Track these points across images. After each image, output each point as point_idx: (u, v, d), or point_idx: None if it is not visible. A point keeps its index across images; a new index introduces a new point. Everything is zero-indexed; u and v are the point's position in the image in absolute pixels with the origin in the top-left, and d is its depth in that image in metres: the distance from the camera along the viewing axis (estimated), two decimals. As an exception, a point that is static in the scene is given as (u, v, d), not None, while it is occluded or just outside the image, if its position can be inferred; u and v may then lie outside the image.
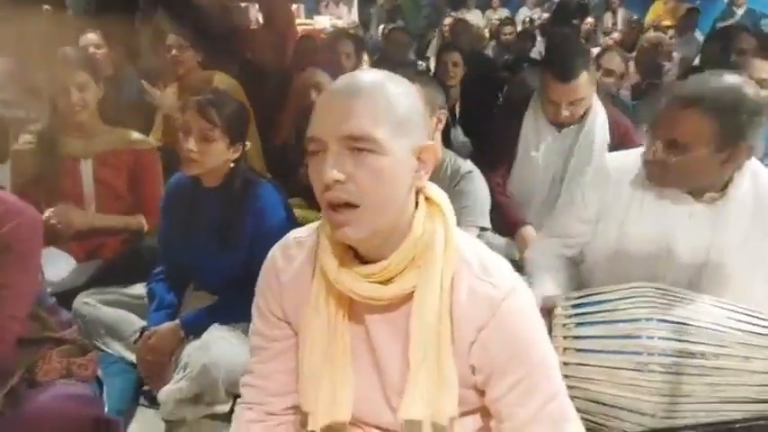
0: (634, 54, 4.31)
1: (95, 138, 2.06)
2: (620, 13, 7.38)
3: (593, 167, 1.47)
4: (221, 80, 2.95)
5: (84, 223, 1.95)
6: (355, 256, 0.84)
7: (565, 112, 1.98)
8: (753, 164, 1.27)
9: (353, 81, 0.78)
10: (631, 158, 1.37)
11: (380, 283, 0.81)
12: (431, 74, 4.65)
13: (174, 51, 2.78)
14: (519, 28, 6.43)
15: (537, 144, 2.11)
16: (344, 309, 0.85)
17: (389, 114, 0.75)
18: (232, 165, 1.62)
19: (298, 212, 2.20)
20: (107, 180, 2.06)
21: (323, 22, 6.85)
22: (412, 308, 0.81)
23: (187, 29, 2.99)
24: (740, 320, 1.13)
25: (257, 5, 5.11)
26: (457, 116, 3.18)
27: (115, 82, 3.00)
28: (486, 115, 2.91)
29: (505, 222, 2.08)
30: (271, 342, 0.94)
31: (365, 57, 4.85)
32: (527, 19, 7.20)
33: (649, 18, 6.55)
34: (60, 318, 1.41)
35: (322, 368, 0.86)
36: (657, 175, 1.27)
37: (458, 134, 3.01)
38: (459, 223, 0.88)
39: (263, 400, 0.95)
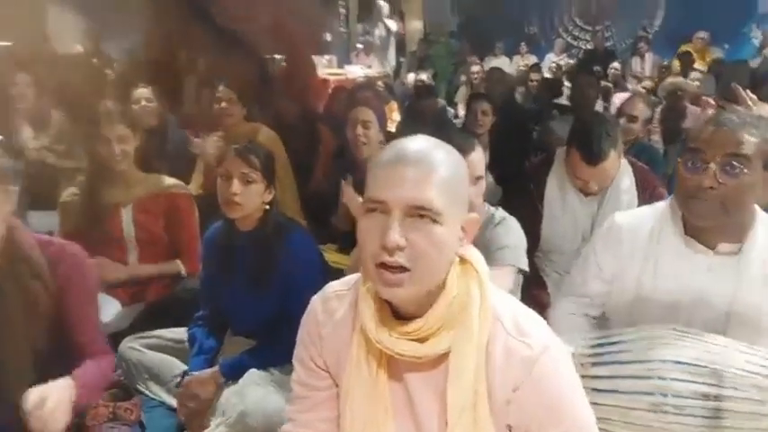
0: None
1: (133, 185, 2.20)
2: (648, 57, 7.43)
3: (605, 227, 1.47)
4: (264, 133, 3.08)
5: (116, 277, 2.09)
6: (393, 313, 0.87)
7: (593, 187, 2.00)
8: (763, 215, 1.28)
9: (419, 150, 0.82)
10: (643, 214, 1.39)
11: (418, 340, 0.84)
12: (458, 120, 4.78)
13: (223, 104, 2.94)
14: (546, 74, 6.53)
15: (562, 206, 2.12)
16: (385, 366, 0.89)
17: (449, 187, 0.80)
18: (266, 207, 1.71)
19: (330, 257, 2.27)
20: (146, 225, 2.18)
21: (354, 71, 7.08)
22: (449, 366, 0.84)
23: (235, 82, 3.17)
24: (757, 363, 1.11)
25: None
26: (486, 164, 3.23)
27: (158, 132, 3.17)
28: (517, 162, 2.94)
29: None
30: (312, 391, 0.97)
31: (394, 104, 5.02)
32: (554, 65, 7.31)
33: (677, 63, 6.57)
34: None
35: (364, 425, 0.88)
36: (705, 210, 1.22)
37: (488, 182, 3.05)
38: (497, 264, 0.90)
39: None
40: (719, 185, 1.18)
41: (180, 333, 1.89)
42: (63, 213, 2.23)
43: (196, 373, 1.67)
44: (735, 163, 1.17)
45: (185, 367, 1.75)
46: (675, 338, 1.16)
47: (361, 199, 2.22)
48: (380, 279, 0.80)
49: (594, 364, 1.17)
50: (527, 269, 1.82)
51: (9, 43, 5.70)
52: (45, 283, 1.24)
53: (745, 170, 1.17)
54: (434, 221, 0.79)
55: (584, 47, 9.04)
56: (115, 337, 1.88)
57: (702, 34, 6.99)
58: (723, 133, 1.18)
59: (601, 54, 7.96)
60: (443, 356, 0.85)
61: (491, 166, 3.23)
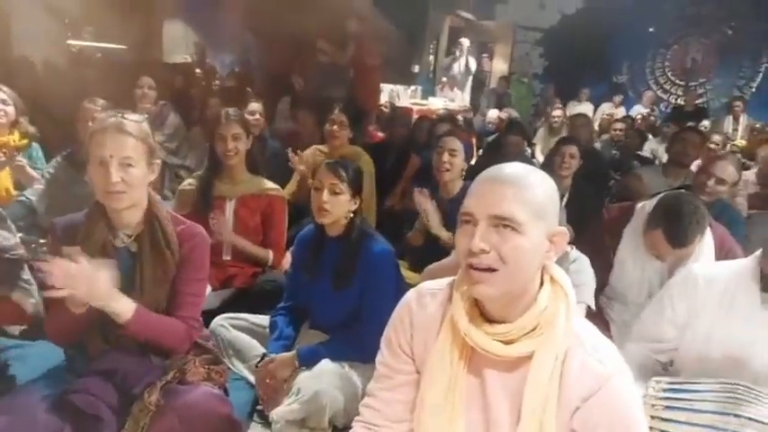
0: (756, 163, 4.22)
1: (239, 182, 2.51)
2: (743, 119, 7.18)
3: (683, 275, 1.53)
4: (363, 157, 3.32)
5: (231, 238, 2.39)
6: (481, 315, 1.00)
7: (670, 260, 2.02)
8: None
9: (504, 171, 0.97)
10: (721, 268, 1.45)
11: (503, 342, 0.97)
12: (534, 160, 4.83)
13: (335, 127, 3.26)
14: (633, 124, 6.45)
15: (634, 262, 2.15)
16: (466, 360, 1.01)
17: (531, 202, 0.94)
18: (352, 215, 1.89)
19: (402, 272, 2.42)
20: (245, 218, 2.47)
21: (437, 103, 7.31)
22: (530, 370, 0.96)
23: (347, 108, 3.49)
24: None
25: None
26: (563, 204, 3.29)
27: (260, 141, 3.49)
28: (592, 207, 2.98)
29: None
30: (395, 374, 1.10)
31: (473, 139, 5.16)
32: (639, 116, 7.21)
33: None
34: (203, 332, 1.69)
35: (442, 409, 1.01)
36: None
37: (563, 221, 3.10)
38: None
39: (379, 422, 1.11)
40: None
41: (262, 319, 2.09)
42: (179, 199, 2.56)
43: (275, 354, 1.86)
44: None
45: (264, 350, 1.94)
46: (743, 394, 1.21)
47: (437, 213, 2.37)
48: (470, 277, 0.95)
49: (666, 408, 1.24)
50: (594, 308, 1.90)
51: (124, 46, 6.39)
52: (173, 252, 1.47)
53: None
54: (516, 231, 0.92)
55: (674, 101, 8.85)
56: (207, 316, 2.13)
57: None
58: None
59: (692, 110, 7.76)
60: (522, 360, 0.97)
61: (568, 206, 3.30)
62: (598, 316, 2.14)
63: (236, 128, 2.45)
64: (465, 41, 8.41)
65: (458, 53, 8.39)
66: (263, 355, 1.89)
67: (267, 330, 2.02)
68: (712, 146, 4.21)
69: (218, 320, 2.06)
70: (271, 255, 2.48)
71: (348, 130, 3.30)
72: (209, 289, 2.33)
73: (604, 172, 3.95)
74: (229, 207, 2.45)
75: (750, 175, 3.97)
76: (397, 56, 6.98)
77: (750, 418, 1.16)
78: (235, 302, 2.28)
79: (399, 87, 7.19)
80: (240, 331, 2.06)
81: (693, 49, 8.91)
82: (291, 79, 5.27)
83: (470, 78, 8.59)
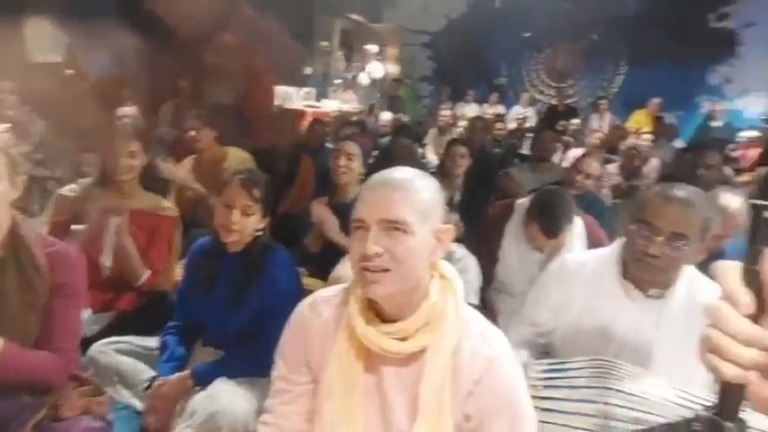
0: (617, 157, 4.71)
1: (131, 198, 2.32)
2: (606, 117, 7.97)
3: (557, 264, 1.70)
4: (235, 154, 3.26)
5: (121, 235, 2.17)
6: (377, 316, 1.03)
7: (548, 250, 2.24)
8: (690, 269, 1.49)
9: (391, 177, 1.02)
10: (589, 256, 1.61)
11: (399, 339, 1.01)
12: (425, 161, 5.01)
13: (192, 133, 3.15)
14: (513, 125, 6.91)
15: (517, 255, 2.35)
16: (362, 361, 1.04)
17: (417, 204, 0.99)
18: (259, 233, 1.83)
19: (302, 280, 2.39)
20: (131, 235, 2.25)
21: (331, 105, 7.31)
22: (424, 363, 1.01)
23: (206, 108, 3.37)
24: (682, 398, 1.30)
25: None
26: (455, 203, 3.45)
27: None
28: (483, 205, 3.17)
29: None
30: (293, 386, 1.11)
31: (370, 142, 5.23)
32: (520, 116, 7.73)
33: (631, 125, 7.07)
34: (79, 361, 1.56)
35: (341, 412, 1.02)
36: (650, 268, 1.42)
37: (454, 219, 3.25)
38: None
39: None
40: (663, 255, 1.39)
41: (149, 341, 1.96)
42: (57, 206, 2.36)
43: (167, 377, 1.75)
44: (678, 241, 1.38)
45: (154, 373, 1.83)
46: (615, 369, 1.33)
47: (334, 218, 2.39)
48: (363, 278, 0.98)
49: (547, 387, 1.34)
50: (477, 303, 2.01)
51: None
52: (43, 278, 1.33)
53: (686, 246, 1.39)
54: (406, 232, 0.97)
55: (548, 102, 9.60)
56: (84, 342, 1.96)
57: (656, 101, 7.56)
58: (671, 211, 1.39)
59: (564, 110, 8.49)
60: (417, 354, 1.01)
61: (461, 204, 3.46)
62: (487, 308, 2.28)
63: (133, 144, 2.28)
64: (372, 48, 8.53)
65: (363, 60, 8.48)
66: (153, 379, 1.78)
67: (157, 352, 1.90)
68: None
69: (98, 346, 1.90)
70: (147, 274, 2.25)
71: (209, 130, 3.19)
72: (88, 312, 2.17)
73: (492, 171, 4.20)
74: (114, 222, 2.24)
75: (613, 168, 4.43)
76: (288, 58, 6.88)
77: (617, 390, 1.30)
78: (120, 326, 2.11)
79: (292, 89, 7.10)
80: (125, 355, 1.91)
81: (563, 54, 9.72)
82: (176, 83, 5.01)
83: (374, 82, 8.71)
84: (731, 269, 0.51)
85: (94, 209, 2.22)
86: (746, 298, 0.49)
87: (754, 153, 5.47)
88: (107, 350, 1.90)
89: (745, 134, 5.93)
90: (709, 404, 0.54)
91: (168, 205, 2.43)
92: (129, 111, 3.41)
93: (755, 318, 0.49)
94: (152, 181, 3.16)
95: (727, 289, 0.50)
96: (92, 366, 1.85)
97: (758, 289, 0.49)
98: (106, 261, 2.24)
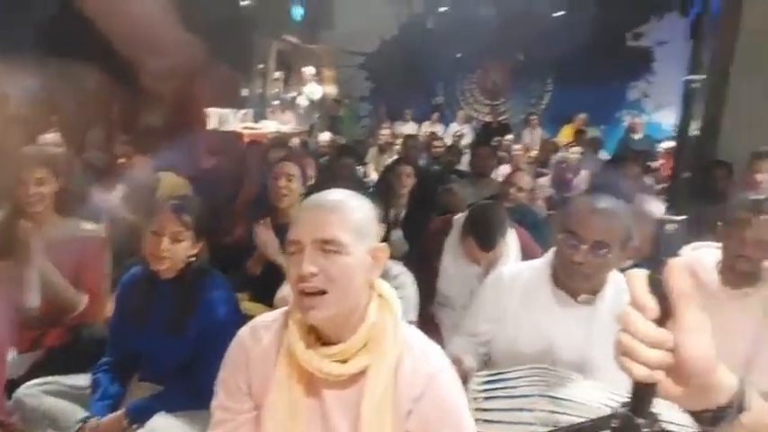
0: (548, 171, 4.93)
1: (47, 226, 2.18)
2: (538, 131, 8.36)
3: (493, 276, 1.76)
4: (168, 179, 3.18)
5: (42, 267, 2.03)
6: (317, 339, 1.03)
7: (484, 263, 2.31)
8: (617, 275, 1.58)
9: (325, 198, 1.03)
10: (523, 267, 1.68)
11: (340, 362, 1.01)
12: (366, 179, 5.05)
13: (123, 160, 3.05)
14: (450, 142, 7.10)
15: (456, 269, 2.41)
16: (304, 385, 1.03)
17: (352, 224, 1.00)
18: (192, 259, 1.78)
19: (244, 305, 2.34)
20: (56, 266, 2.11)
21: (269, 126, 7.25)
22: (365, 383, 1.01)
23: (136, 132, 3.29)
24: (619, 401, 1.36)
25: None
26: (400, 220, 3.49)
27: (67, 177, 3.14)
28: (425, 221, 3.21)
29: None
30: (235, 415, 1.08)
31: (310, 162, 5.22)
32: (457, 133, 7.96)
33: (561, 139, 7.43)
34: (4, 406, 1.46)
35: None
36: (577, 275, 1.50)
37: (398, 236, 3.29)
38: None
39: None
40: (587, 262, 1.47)
41: (80, 379, 1.86)
42: None
43: (100, 417, 1.67)
44: (601, 249, 1.46)
45: (86, 414, 1.72)
46: (549, 376, 1.39)
47: (276, 240, 2.35)
48: (301, 304, 0.98)
49: (487, 399, 1.38)
50: (415, 320, 2.04)
51: None
52: None
53: (609, 254, 1.47)
54: (340, 253, 0.98)
55: (483, 119, 9.95)
56: (10, 385, 1.83)
57: (582, 116, 8.02)
58: (594, 222, 1.47)
59: (497, 126, 8.83)
60: (357, 376, 1.02)
61: (405, 221, 3.51)
62: (431, 322, 2.31)
63: (39, 171, 2.15)
64: (309, 70, 8.55)
65: (301, 81, 8.48)
66: (86, 419, 1.69)
67: (89, 391, 1.80)
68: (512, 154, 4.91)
69: (24, 388, 1.77)
70: (84, 299, 2.14)
71: (141, 156, 3.16)
72: (13, 353, 2.03)
73: (431, 187, 4.27)
74: (35, 254, 2.07)
75: (545, 181, 4.63)
76: (223, 80, 6.79)
77: (555, 397, 1.34)
78: (48, 365, 1.99)
79: (228, 111, 7.00)
80: (55, 397, 1.79)
81: (493, 73, 10.18)
82: (105, 107, 4.83)
83: (309, 103, 8.72)
84: (638, 277, 0.55)
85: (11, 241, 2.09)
86: (652, 304, 0.54)
87: (672, 163, 5.87)
88: (34, 392, 1.78)
89: (664, 145, 6.37)
90: (626, 401, 0.58)
91: (91, 227, 2.31)
92: (50, 138, 3.25)
93: (661, 322, 0.54)
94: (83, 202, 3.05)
95: (634, 296, 0.55)
96: (19, 410, 1.73)
97: (663, 295, 0.54)
98: (33, 301, 2.10)
